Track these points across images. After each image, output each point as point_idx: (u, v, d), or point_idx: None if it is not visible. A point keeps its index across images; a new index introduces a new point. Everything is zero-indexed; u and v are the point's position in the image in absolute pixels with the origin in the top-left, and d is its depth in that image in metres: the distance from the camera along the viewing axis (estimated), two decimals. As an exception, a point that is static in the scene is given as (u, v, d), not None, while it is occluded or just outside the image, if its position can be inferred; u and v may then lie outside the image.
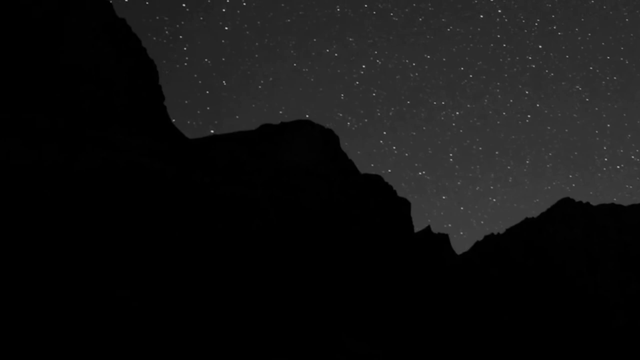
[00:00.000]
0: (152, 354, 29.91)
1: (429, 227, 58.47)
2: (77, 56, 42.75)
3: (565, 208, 77.42)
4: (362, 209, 49.21)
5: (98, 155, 34.82)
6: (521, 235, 71.89)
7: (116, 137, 37.81)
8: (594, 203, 77.90)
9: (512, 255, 71.40)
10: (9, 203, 32.03)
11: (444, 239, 59.16)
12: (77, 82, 41.66)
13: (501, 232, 73.98)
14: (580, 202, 78.27)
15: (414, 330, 48.49)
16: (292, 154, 46.29)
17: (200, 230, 34.61)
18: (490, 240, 69.32)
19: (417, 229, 61.16)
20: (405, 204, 56.80)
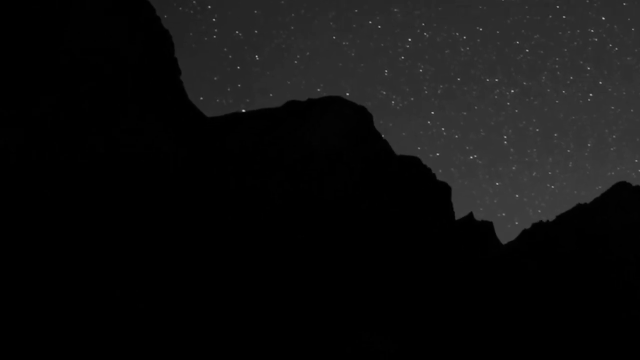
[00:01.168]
0: (168, 346, 28.90)
1: (471, 214, 53.84)
2: (83, 30, 39.29)
3: (621, 192, 73.64)
4: (392, 194, 44.96)
5: (98, 151, 31.85)
6: (572, 222, 66.94)
7: (121, 124, 34.57)
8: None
9: (562, 243, 66.79)
10: (9, 200, 30.09)
11: (487, 227, 54.63)
12: (82, 60, 38.26)
13: (559, 221, 69.49)
14: (638, 186, 74.67)
15: (440, 324, 44.66)
16: (318, 135, 42.19)
17: (209, 224, 31.20)
18: (539, 228, 64.33)
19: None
20: (445, 189, 52.26)
